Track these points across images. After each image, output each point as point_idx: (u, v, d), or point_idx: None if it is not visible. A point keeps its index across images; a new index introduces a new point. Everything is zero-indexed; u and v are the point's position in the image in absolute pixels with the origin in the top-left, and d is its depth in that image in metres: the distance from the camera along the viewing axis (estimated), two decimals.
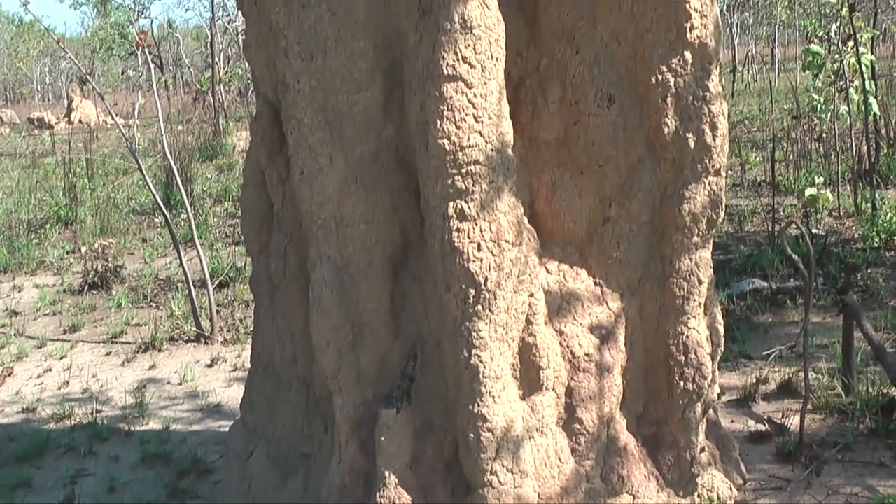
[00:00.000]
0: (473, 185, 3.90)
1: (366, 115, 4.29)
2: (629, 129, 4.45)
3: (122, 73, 46.51)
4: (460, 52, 3.88)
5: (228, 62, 33.68)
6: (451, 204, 3.92)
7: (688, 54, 4.35)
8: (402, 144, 4.33)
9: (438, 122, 3.88)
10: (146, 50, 10.94)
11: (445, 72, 3.88)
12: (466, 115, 3.88)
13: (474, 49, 3.89)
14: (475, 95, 3.90)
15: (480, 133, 3.89)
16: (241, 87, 30.41)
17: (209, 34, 29.24)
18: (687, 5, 4.28)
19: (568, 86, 4.44)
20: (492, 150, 3.92)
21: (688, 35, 4.32)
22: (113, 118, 10.75)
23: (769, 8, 40.13)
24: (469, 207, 3.91)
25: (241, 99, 30.14)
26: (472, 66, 3.89)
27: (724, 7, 38.54)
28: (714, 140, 4.41)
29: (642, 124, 4.46)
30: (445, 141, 3.87)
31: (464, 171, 3.89)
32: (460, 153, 3.87)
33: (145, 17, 40.85)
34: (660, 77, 4.36)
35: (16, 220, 15.46)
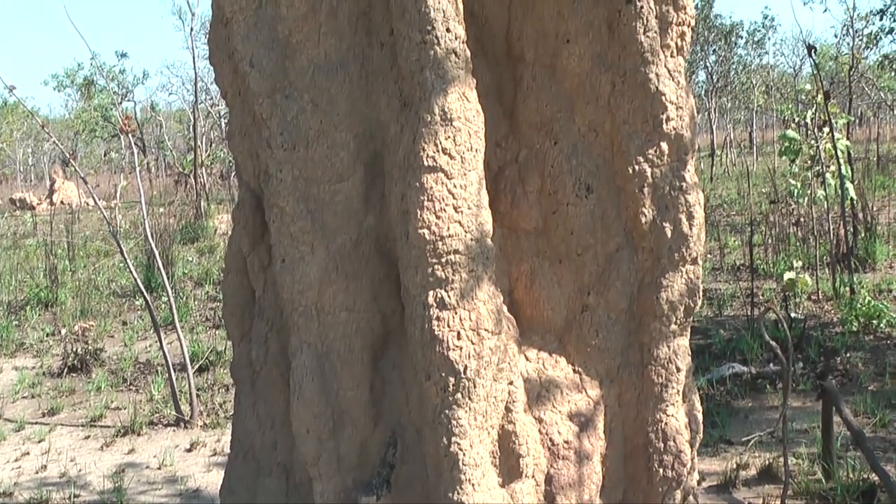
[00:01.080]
0: (453, 274, 3.94)
1: (347, 205, 4.34)
2: (607, 219, 4.51)
3: (105, 155, 46.69)
4: (440, 143, 3.94)
5: (210, 145, 33.89)
6: (430, 293, 3.95)
7: (664, 145, 4.43)
8: (382, 234, 4.38)
9: (419, 212, 3.92)
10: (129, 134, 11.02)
11: (426, 163, 3.93)
12: (446, 205, 3.93)
13: (454, 140, 3.96)
14: (455, 186, 3.95)
15: (460, 223, 3.94)
16: (222, 169, 30.58)
17: (192, 117, 29.42)
18: (663, 97, 4.37)
19: (546, 176, 4.52)
20: (471, 239, 3.96)
21: (664, 126, 4.40)
22: (95, 201, 10.79)
23: (746, 93, 40.71)
24: (449, 296, 3.95)
25: (222, 182, 30.29)
26: (451, 158, 3.95)
27: (703, 92, 39.07)
28: (691, 229, 4.47)
29: (620, 214, 4.52)
30: (426, 231, 3.91)
31: (444, 260, 3.93)
32: (440, 243, 3.91)
33: (129, 101, 41.10)
34: (637, 167, 4.44)
35: None
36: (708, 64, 38.07)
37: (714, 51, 37.77)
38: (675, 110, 4.41)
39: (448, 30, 4.00)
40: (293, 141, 4.31)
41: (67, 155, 12.10)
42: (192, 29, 27.28)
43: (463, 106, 4.00)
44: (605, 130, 4.49)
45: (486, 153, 4.20)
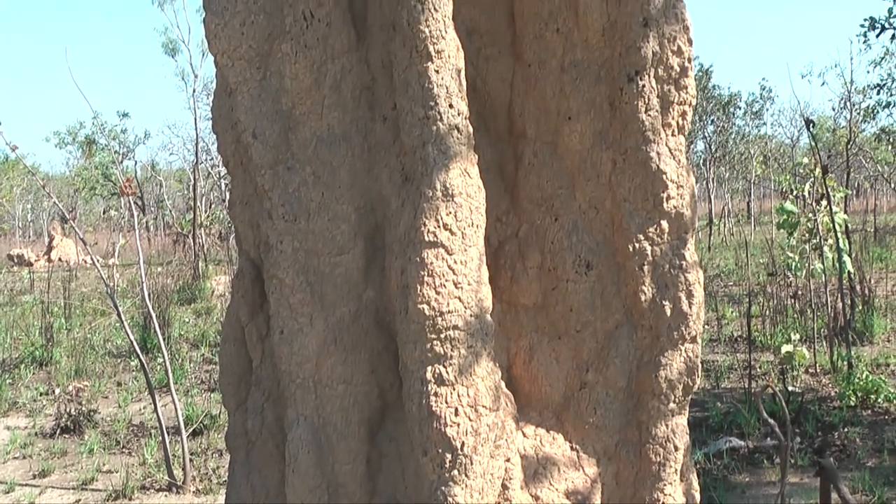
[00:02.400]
0: (452, 350, 3.93)
1: (347, 278, 4.35)
2: (607, 296, 4.51)
3: (104, 213, 46.75)
4: (441, 219, 3.95)
5: (210, 206, 33.95)
6: (429, 368, 3.94)
7: (664, 223, 4.44)
8: (381, 307, 4.38)
9: (419, 288, 3.92)
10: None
11: (426, 238, 3.94)
12: (446, 280, 3.93)
13: (455, 216, 3.96)
14: (455, 262, 3.95)
15: (460, 299, 3.94)
16: (221, 230, 30.60)
17: (192, 178, 29.49)
18: (664, 176, 4.39)
19: (547, 252, 4.52)
20: (471, 315, 3.96)
21: (664, 205, 4.41)
22: (93, 261, 10.78)
23: (745, 163, 40.91)
24: (447, 372, 3.93)
25: (221, 243, 30.29)
26: (452, 233, 3.96)
27: (701, 161, 39.27)
28: (690, 308, 4.47)
29: (620, 291, 4.52)
30: (425, 306, 3.91)
31: (443, 336, 3.92)
32: (440, 318, 3.91)
33: (130, 159, 41.24)
34: (637, 245, 4.44)
35: None
36: (706, 134, 38.31)
37: (712, 121, 38.01)
38: (676, 189, 4.42)
39: (451, 105, 4.03)
40: (294, 213, 4.32)
41: (66, 214, 12.10)
42: (194, 90, 27.47)
43: (464, 182, 4.02)
44: (606, 208, 4.51)
45: (487, 228, 4.22)
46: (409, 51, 4.06)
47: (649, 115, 4.38)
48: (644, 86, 4.36)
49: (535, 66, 4.56)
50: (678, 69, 4.42)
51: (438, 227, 3.96)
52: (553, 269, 4.52)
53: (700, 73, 36.23)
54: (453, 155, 4.00)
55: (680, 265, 4.47)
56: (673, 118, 4.46)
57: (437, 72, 4.01)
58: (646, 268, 4.46)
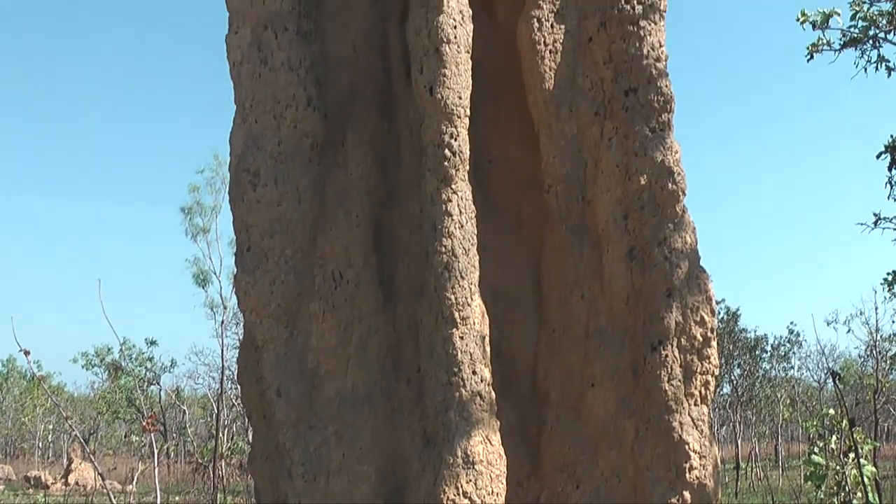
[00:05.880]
0: None
1: None
2: None
3: (126, 437, 46.48)
4: (461, 486, 3.94)
5: (232, 437, 33.70)
6: None
7: (687, 494, 4.39)
8: None
9: None
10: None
11: None
12: None
13: (475, 484, 3.96)
14: None
15: None
16: (242, 460, 30.25)
17: (215, 407, 29.33)
18: (686, 446, 4.37)
19: None
20: None
21: (687, 475, 4.37)
22: (108, 496, 10.67)
23: (771, 406, 40.49)
24: None
25: (241, 474, 29.90)
26: (472, 501, 3.95)
27: (727, 404, 38.93)
28: None
29: None
30: None
31: None
32: None
33: (154, 384, 41.27)
34: None
35: None
36: (733, 377, 38.08)
37: (739, 364, 37.82)
38: (699, 459, 4.39)
39: (474, 372, 4.07)
40: (314, 472, 4.31)
41: (83, 443, 12.04)
42: (223, 321, 27.61)
43: (486, 449, 4.02)
44: (629, 476, 4.47)
45: (508, 493, 4.19)
46: (434, 316, 4.14)
47: (672, 385, 4.40)
48: (667, 355, 4.40)
49: (560, 332, 4.62)
50: (701, 339, 4.46)
51: (458, 494, 3.94)
52: None
53: (727, 317, 36.35)
54: (475, 422, 4.01)
55: None
56: (696, 388, 4.47)
57: (461, 338, 4.08)
58: None
